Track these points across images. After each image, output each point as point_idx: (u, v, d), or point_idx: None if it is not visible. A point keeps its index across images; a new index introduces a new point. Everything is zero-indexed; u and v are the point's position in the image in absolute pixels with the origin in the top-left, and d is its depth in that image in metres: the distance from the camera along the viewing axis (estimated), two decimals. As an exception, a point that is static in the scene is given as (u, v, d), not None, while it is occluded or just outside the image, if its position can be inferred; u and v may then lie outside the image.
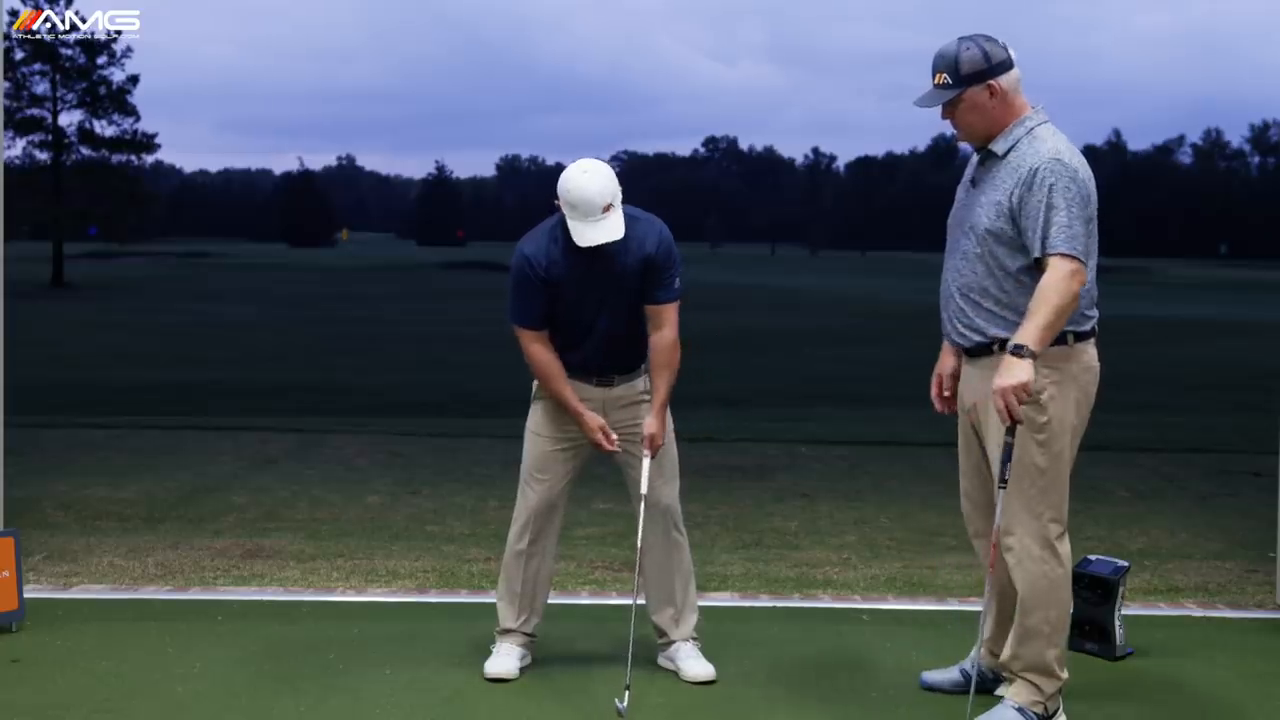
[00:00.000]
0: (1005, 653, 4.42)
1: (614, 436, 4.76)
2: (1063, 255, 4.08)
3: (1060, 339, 4.19)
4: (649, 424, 4.74)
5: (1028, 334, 4.06)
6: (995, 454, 4.28)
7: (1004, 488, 4.22)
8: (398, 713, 4.46)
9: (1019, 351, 4.05)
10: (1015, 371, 4.05)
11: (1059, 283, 4.07)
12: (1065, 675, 4.37)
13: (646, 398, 4.82)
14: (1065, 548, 4.34)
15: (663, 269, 4.68)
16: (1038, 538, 4.28)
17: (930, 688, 4.71)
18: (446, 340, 29.44)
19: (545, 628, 5.00)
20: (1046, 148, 4.19)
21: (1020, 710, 4.34)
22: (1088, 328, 4.28)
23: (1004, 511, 4.27)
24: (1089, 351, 4.30)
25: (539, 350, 4.75)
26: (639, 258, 4.66)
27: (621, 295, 4.69)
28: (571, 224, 4.56)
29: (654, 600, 4.95)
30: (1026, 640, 4.34)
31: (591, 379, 4.79)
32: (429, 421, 14.56)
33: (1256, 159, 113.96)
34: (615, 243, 4.59)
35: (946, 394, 4.59)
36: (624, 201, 4.64)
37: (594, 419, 4.74)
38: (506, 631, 4.93)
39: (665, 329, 4.72)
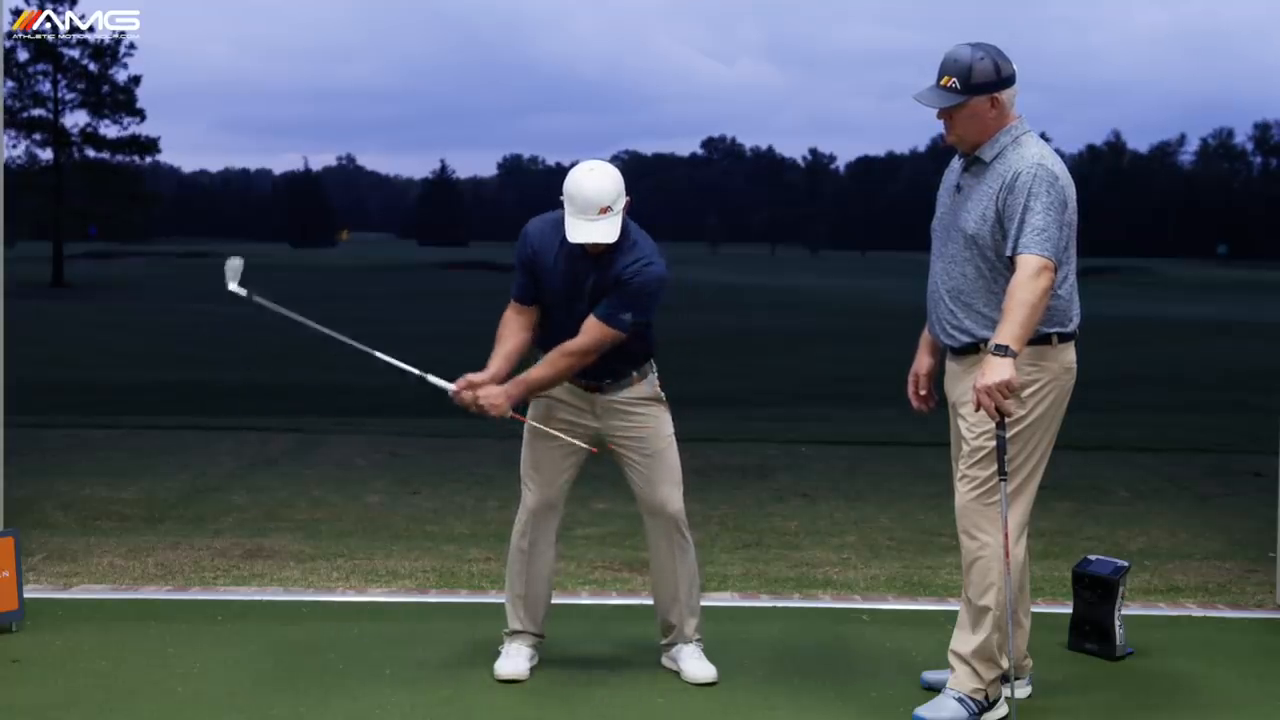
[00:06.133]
0: (954, 641, 4.51)
1: (467, 387, 4.69)
2: (1031, 254, 4.19)
3: (1044, 339, 4.32)
4: (490, 387, 4.66)
5: (1007, 333, 4.15)
6: (971, 445, 4.40)
7: (1004, 479, 4.29)
8: (397, 713, 4.46)
9: (1000, 351, 4.14)
10: (999, 370, 4.13)
11: (1027, 280, 4.17)
12: (1005, 664, 4.42)
13: (640, 404, 4.80)
14: (1021, 546, 4.45)
15: (625, 293, 4.60)
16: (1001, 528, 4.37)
17: (931, 687, 4.71)
18: (446, 340, 29.27)
19: (545, 627, 5.00)
20: (1031, 153, 4.31)
21: (961, 700, 4.42)
22: (1070, 329, 4.41)
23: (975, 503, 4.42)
24: (1070, 353, 4.43)
25: (506, 318, 4.81)
26: (615, 276, 4.63)
27: (591, 305, 4.67)
28: (566, 217, 4.58)
29: (660, 602, 4.96)
30: (976, 627, 4.42)
31: (579, 382, 4.77)
32: (429, 421, 14.55)
33: (1259, 159, 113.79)
34: (605, 254, 4.61)
35: (923, 392, 4.75)
36: (629, 205, 4.64)
37: (462, 383, 4.70)
38: (515, 633, 4.94)
39: (582, 337, 4.61)
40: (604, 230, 4.54)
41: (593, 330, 4.62)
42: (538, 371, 4.69)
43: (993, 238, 4.32)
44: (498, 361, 4.75)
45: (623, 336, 4.62)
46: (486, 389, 4.68)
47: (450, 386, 4.73)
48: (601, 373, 4.75)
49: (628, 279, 4.61)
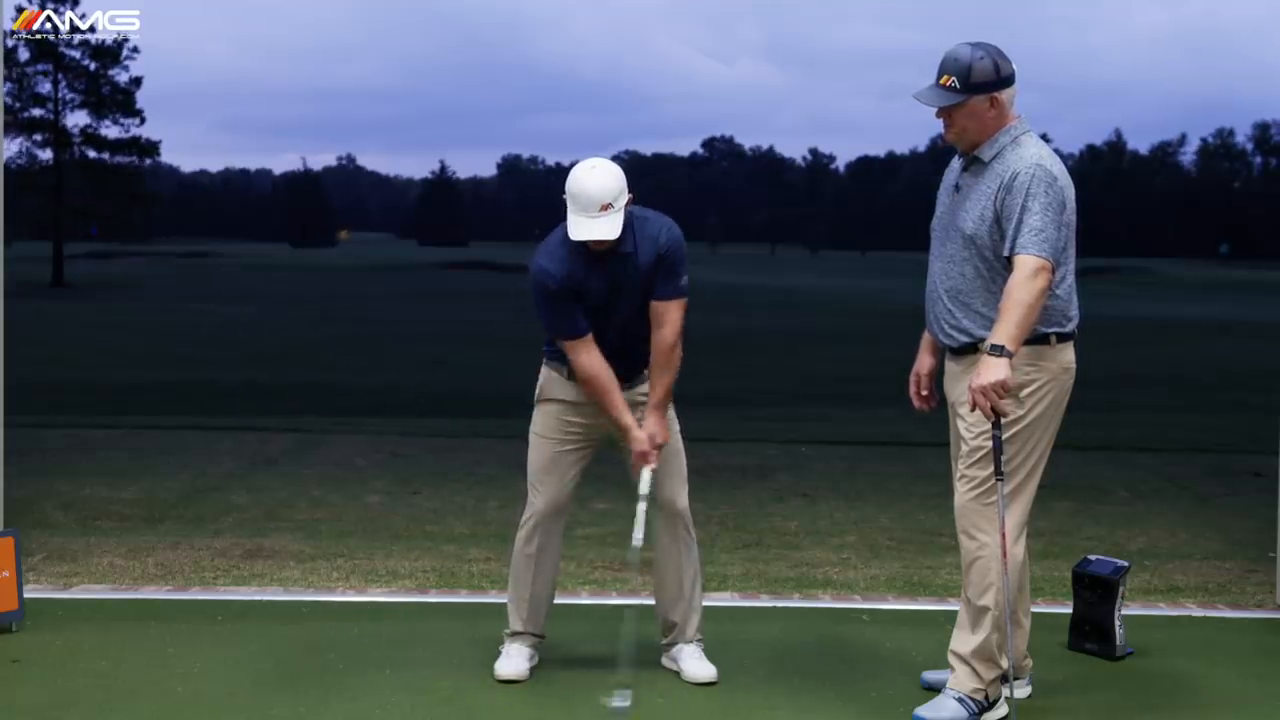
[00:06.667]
0: (953, 641, 4.51)
1: (651, 455, 4.68)
2: (1029, 254, 4.19)
3: (1043, 339, 4.33)
4: (649, 424, 4.71)
5: (1003, 334, 4.16)
6: (970, 445, 4.39)
7: (1000, 479, 4.30)
8: (397, 713, 4.46)
9: (995, 351, 4.15)
10: (994, 370, 4.14)
11: (1024, 281, 4.18)
12: (1005, 664, 4.42)
13: (643, 398, 4.80)
14: (1021, 546, 4.44)
15: (670, 263, 4.68)
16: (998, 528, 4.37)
17: (931, 687, 4.71)
18: (446, 340, 29.43)
19: (546, 628, 5.00)
20: (1029, 154, 4.31)
21: (961, 700, 4.42)
22: (1069, 329, 4.41)
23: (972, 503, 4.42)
24: (1068, 353, 4.43)
25: (587, 360, 4.66)
26: (652, 256, 4.66)
27: (636, 297, 4.69)
28: (570, 215, 4.58)
29: (663, 600, 4.95)
30: (975, 627, 4.42)
31: None
32: (429, 421, 14.56)
33: (1259, 159, 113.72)
34: (629, 246, 4.62)
35: (924, 392, 4.75)
36: (632, 202, 4.65)
37: (643, 436, 4.66)
38: (516, 634, 4.94)
39: (665, 328, 4.69)
40: (605, 227, 4.54)
41: (670, 313, 4.69)
42: (661, 385, 4.71)
43: (991, 238, 4.33)
44: (624, 409, 4.68)
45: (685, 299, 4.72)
46: (652, 438, 4.67)
47: (648, 476, 4.69)
48: (626, 370, 4.75)
49: (665, 251, 4.67)
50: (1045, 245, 4.20)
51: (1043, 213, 4.22)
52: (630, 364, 4.77)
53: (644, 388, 4.81)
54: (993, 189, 4.32)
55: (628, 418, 4.68)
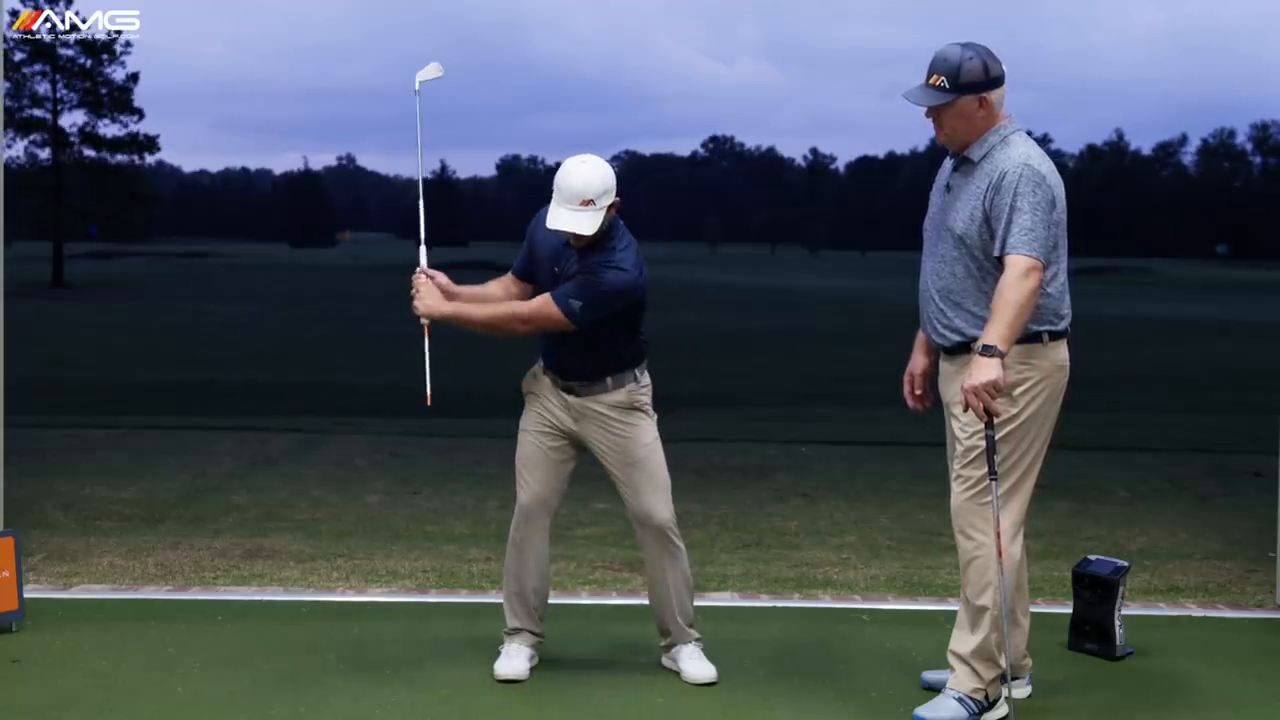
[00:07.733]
0: (953, 641, 4.51)
1: (424, 275, 4.83)
2: (1019, 254, 4.20)
3: (1035, 337, 4.34)
4: (428, 285, 4.80)
5: (994, 334, 4.18)
6: (965, 445, 4.39)
7: (994, 479, 4.31)
8: (397, 713, 4.46)
9: (987, 351, 4.16)
10: (985, 370, 4.16)
11: (1015, 281, 4.19)
12: (1004, 664, 4.42)
13: (616, 412, 4.75)
14: (1018, 545, 4.45)
15: (581, 279, 4.58)
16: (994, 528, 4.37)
17: (931, 687, 4.71)
18: (446, 340, 29.32)
19: (546, 627, 4.99)
20: (1018, 153, 4.32)
21: (961, 700, 4.43)
22: (1061, 327, 4.42)
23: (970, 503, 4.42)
24: (1062, 351, 4.44)
25: (500, 280, 4.91)
26: (584, 264, 4.62)
27: None
28: (551, 204, 4.60)
29: (657, 607, 4.94)
30: (974, 626, 4.43)
31: (557, 380, 4.79)
32: (429, 421, 14.55)
33: (1259, 159, 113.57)
34: (587, 249, 4.62)
35: (919, 392, 4.74)
36: (625, 202, 4.65)
37: (420, 274, 4.83)
38: (514, 631, 4.94)
39: (528, 303, 4.67)
40: (581, 221, 4.54)
41: (539, 302, 4.65)
42: (476, 308, 4.79)
43: (981, 238, 4.33)
44: (468, 288, 4.87)
45: (567, 325, 4.57)
46: (431, 288, 4.79)
47: (421, 265, 4.87)
48: (572, 371, 4.75)
49: (590, 270, 4.60)
50: (1035, 244, 4.21)
51: (1032, 212, 4.23)
52: (576, 364, 4.73)
53: (602, 399, 4.74)
54: (982, 189, 4.32)
55: (446, 280, 4.85)
